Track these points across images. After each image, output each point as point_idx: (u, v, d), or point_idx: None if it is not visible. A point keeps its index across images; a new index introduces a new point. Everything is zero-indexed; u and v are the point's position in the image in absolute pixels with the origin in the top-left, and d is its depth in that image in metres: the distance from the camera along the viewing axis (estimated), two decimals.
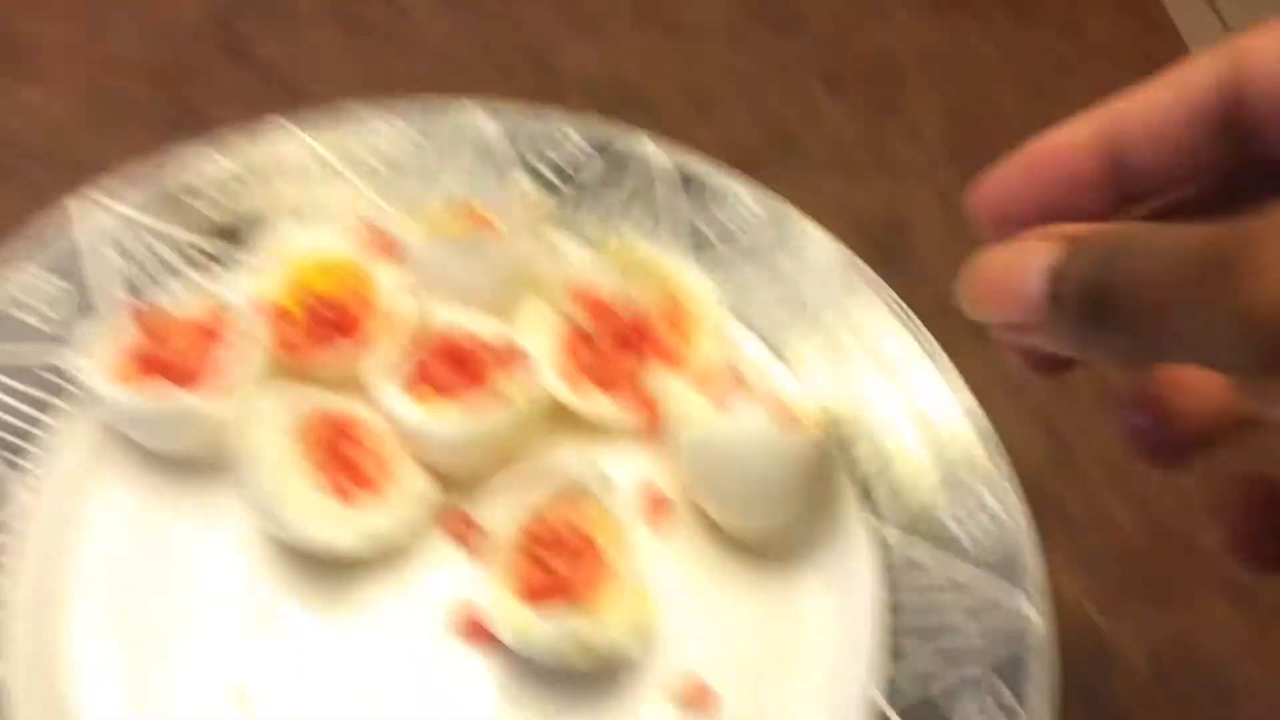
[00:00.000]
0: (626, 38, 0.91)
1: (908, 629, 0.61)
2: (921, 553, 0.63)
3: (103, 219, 0.67)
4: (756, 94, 0.89)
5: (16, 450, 0.60)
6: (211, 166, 0.71)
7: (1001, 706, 0.58)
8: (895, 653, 0.60)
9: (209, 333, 0.63)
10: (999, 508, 0.64)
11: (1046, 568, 0.65)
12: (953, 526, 0.64)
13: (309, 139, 0.73)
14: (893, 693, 0.59)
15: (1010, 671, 0.59)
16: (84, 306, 0.65)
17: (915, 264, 0.81)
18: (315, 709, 0.57)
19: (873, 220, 0.83)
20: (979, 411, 0.67)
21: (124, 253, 0.67)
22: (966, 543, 0.63)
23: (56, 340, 0.63)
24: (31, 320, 0.64)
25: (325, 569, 0.60)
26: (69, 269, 0.66)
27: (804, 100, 0.90)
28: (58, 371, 0.62)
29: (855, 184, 0.85)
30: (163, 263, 0.67)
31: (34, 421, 0.61)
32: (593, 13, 0.92)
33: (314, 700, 0.57)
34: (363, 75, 0.84)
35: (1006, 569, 0.62)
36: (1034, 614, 0.60)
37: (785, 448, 0.60)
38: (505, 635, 0.56)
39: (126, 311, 0.62)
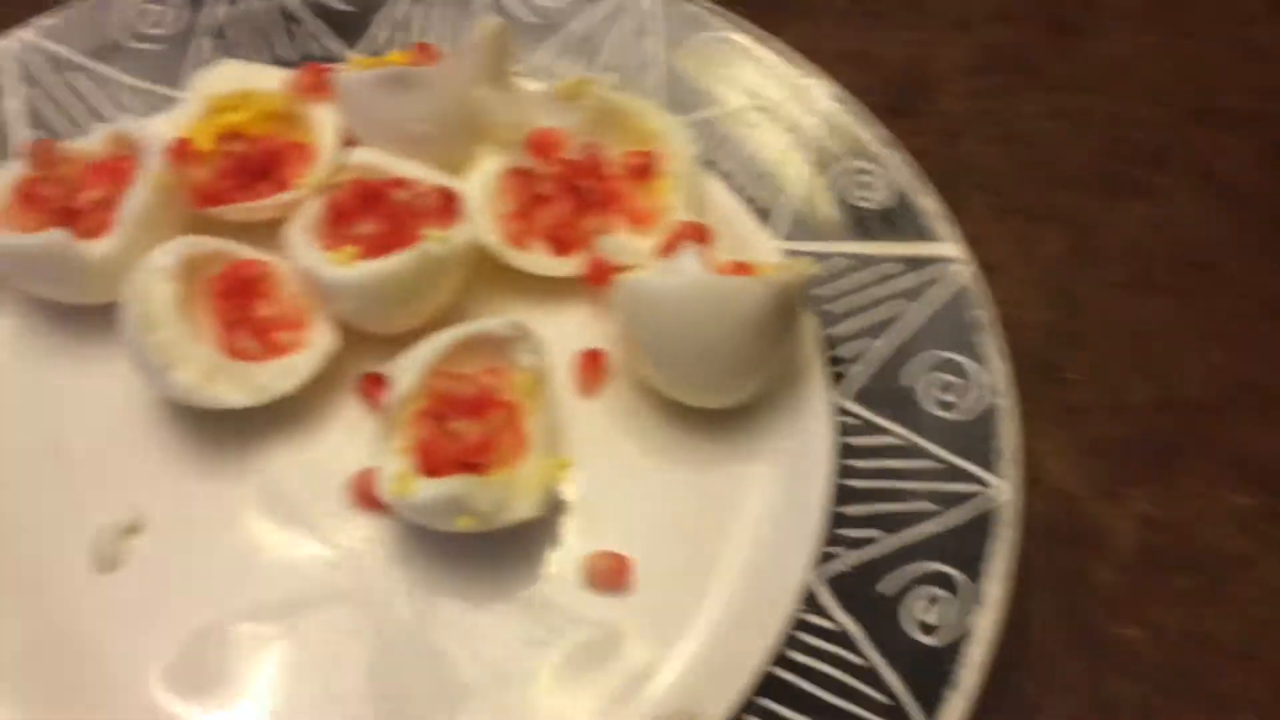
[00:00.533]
0: None
1: (860, 516, 0.53)
2: (890, 429, 0.55)
3: (26, 53, 0.64)
4: None
5: None
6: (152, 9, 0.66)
7: (955, 595, 0.50)
8: (842, 540, 0.53)
9: (111, 171, 0.58)
10: (978, 376, 0.55)
11: (1037, 453, 0.58)
12: (928, 405, 0.56)
13: None
14: (836, 583, 0.52)
15: (969, 559, 0.51)
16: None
17: (933, 121, 0.71)
18: (203, 563, 0.53)
19: (893, 75, 0.73)
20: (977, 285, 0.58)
21: (43, 91, 0.63)
22: (942, 421, 0.55)
23: None
24: None
25: (220, 429, 0.56)
26: None
27: None
28: None
29: (880, 34, 0.75)
30: (86, 105, 0.63)
31: None
32: None
33: (202, 556, 0.54)
34: None
35: (981, 450, 0.54)
36: (1002, 493, 0.52)
37: (728, 296, 0.52)
38: (387, 493, 0.51)
39: (23, 147, 0.58)
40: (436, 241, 0.55)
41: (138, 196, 0.56)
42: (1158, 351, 0.64)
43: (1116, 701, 0.54)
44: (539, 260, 0.60)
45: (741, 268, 0.56)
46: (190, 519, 0.54)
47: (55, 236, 0.54)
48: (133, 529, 0.54)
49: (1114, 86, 0.73)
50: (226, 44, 0.67)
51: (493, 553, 0.53)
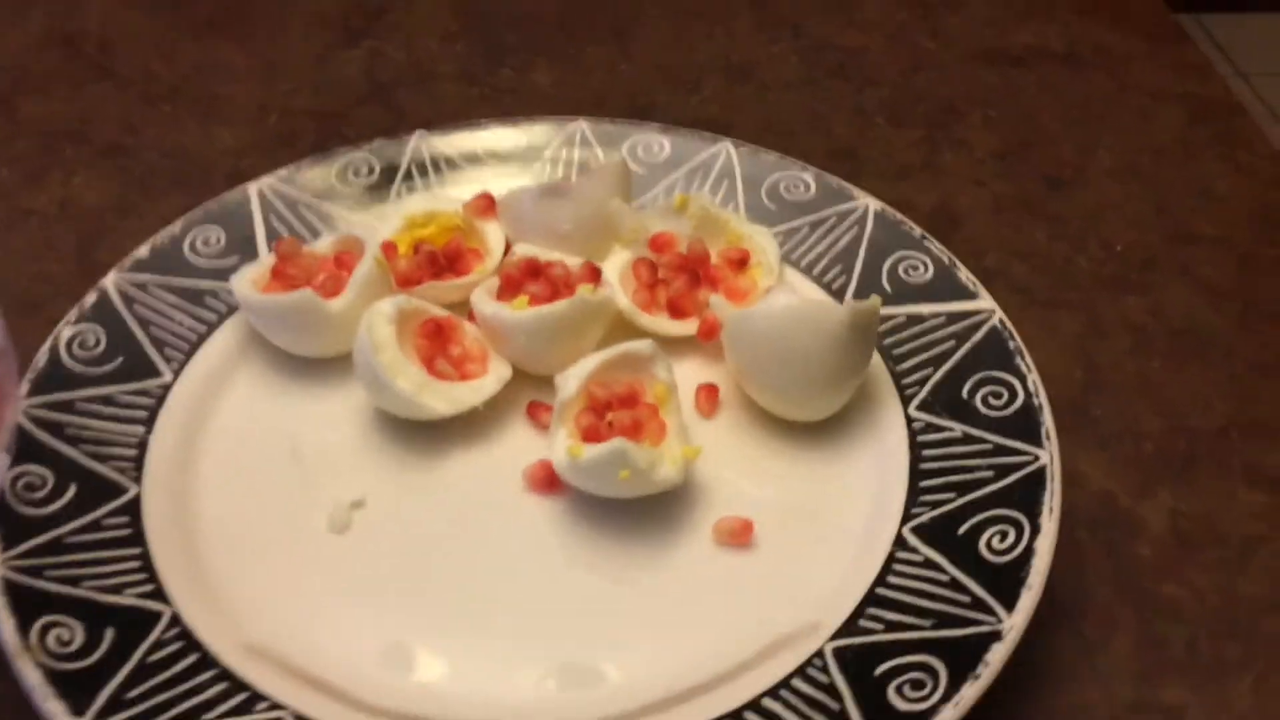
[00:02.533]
0: (716, 91, 1.05)
1: (936, 485, 0.66)
2: (947, 426, 0.69)
3: (270, 195, 0.84)
4: (825, 125, 1.02)
5: (175, 347, 0.74)
6: (362, 166, 0.87)
7: (1018, 530, 0.62)
8: (924, 502, 0.66)
9: (339, 261, 0.77)
10: (1019, 389, 0.70)
11: (1078, 467, 0.72)
12: (979, 407, 0.70)
13: (437, 143, 0.89)
14: (920, 530, 0.64)
15: (1026, 505, 0.64)
16: (247, 253, 0.80)
17: (962, 244, 0.89)
18: (411, 541, 0.67)
19: (923, 209, 0.92)
20: (1009, 325, 0.74)
21: (281, 217, 0.83)
22: (991, 418, 0.69)
23: (223, 277, 0.78)
24: (205, 263, 0.79)
25: (424, 437, 0.71)
26: (240, 229, 0.82)
27: (867, 129, 1.01)
28: (219, 297, 0.77)
29: (909, 185, 0.95)
30: (311, 224, 0.83)
31: (192, 329, 0.76)
32: (690, 75, 1.07)
33: (410, 534, 0.67)
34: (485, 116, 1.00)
35: (1025, 431, 0.68)
36: (1044, 458, 0.65)
37: (814, 321, 0.68)
38: (561, 463, 0.65)
39: (274, 244, 0.77)
40: (588, 291, 0.72)
41: (363, 270, 0.74)
42: (1166, 396, 0.78)
43: (1166, 639, 0.65)
44: (661, 322, 0.77)
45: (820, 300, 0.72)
46: (400, 499, 0.68)
47: (305, 294, 0.72)
48: (358, 504, 0.68)
49: (1104, 220, 0.92)
50: (411, 185, 0.87)
51: (640, 522, 0.67)
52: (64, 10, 1.12)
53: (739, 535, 0.66)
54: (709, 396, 0.74)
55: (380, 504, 0.68)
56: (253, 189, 0.84)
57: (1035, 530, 0.62)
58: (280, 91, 1.03)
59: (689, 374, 0.75)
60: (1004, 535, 0.63)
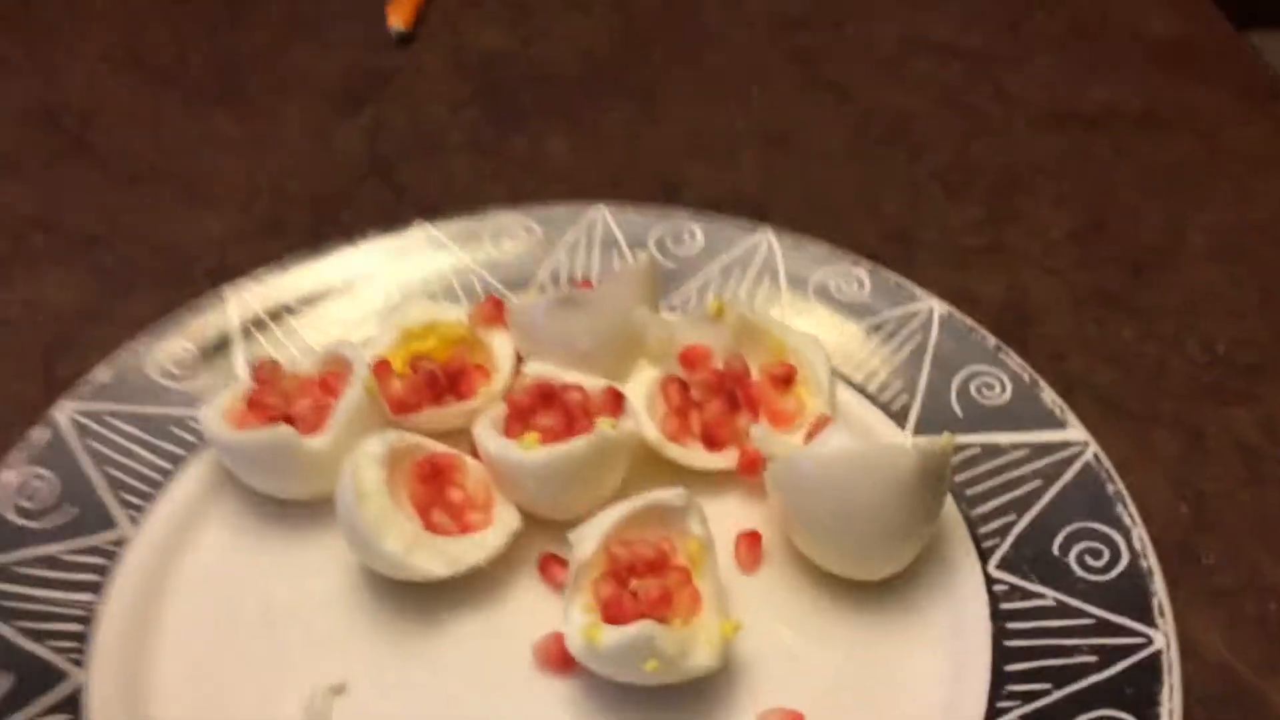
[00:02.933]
0: (753, 163, 0.95)
1: (1026, 671, 0.55)
2: (1037, 592, 0.58)
3: (249, 304, 0.74)
4: (874, 202, 0.91)
5: (133, 491, 0.65)
6: (355, 263, 0.77)
7: None
8: (1012, 695, 0.55)
9: (323, 385, 0.67)
10: (1123, 546, 0.59)
11: (1191, 630, 0.60)
12: (1074, 567, 0.59)
13: (436, 232, 0.79)
14: None
15: (1139, 704, 0.52)
16: (225, 375, 0.71)
17: (1040, 345, 0.78)
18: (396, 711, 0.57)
19: (990, 303, 0.81)
20: (1106, 463, 0.63)
21: (263, 325, 0.73)
22: (1089, 582, 0.58)
23: (194, 401, 0.69)
24: (172, 385, 0.70)
25: (418, 601, 0.61)
26: (214, 343, 0.72)
27: (922, 205, 0.91)
28: (188, 427, 0.68)
29: (972, 274, 0.84)
30: (303, 344, 0.73)
31: (156, 468, 0.66)
32: (724, 143, 0.97)
33: (401, 714, 0.57)
34: (498, 199, 0.90)
35: (1133, 604, 0.56)
36: (1159, 641, 0.54)
37: (877, 470, 0.57)
38: (578, 648, 0.55)
39: (252, 368, 0.67)
40: (609, 426, 0.61)
41: (348, 400, 0.64)
42: None
43: None
44: (695, 454, 0.66)
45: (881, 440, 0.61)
46: (389, 680, 0.58)
47: (282, 431, 0.62)
48: (338, 689, 0.57)
49: (1201, 312, 0.80)
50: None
51: (672, 712, 0.56)
52: (44, 80, 1.04)
53: None
54: (750, 548, 0.63)
55: (365, 688, 0.58)
56: (231, 296, 0.74)
57: None
58: (273, 169, 0.94)
59: (726, 515, 0.64)
60: None
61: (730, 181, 0.93)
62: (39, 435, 0.66)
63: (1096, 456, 0.63)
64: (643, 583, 0.56)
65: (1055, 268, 0.84)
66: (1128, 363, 0.77)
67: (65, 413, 0.67)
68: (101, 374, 0.69)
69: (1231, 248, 0.85)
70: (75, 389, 0.68)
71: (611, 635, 0.54)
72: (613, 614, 0.55)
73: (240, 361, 0.72)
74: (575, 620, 0.56)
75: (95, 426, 0.67)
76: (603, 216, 0.80)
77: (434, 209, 0.84)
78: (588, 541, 0.58)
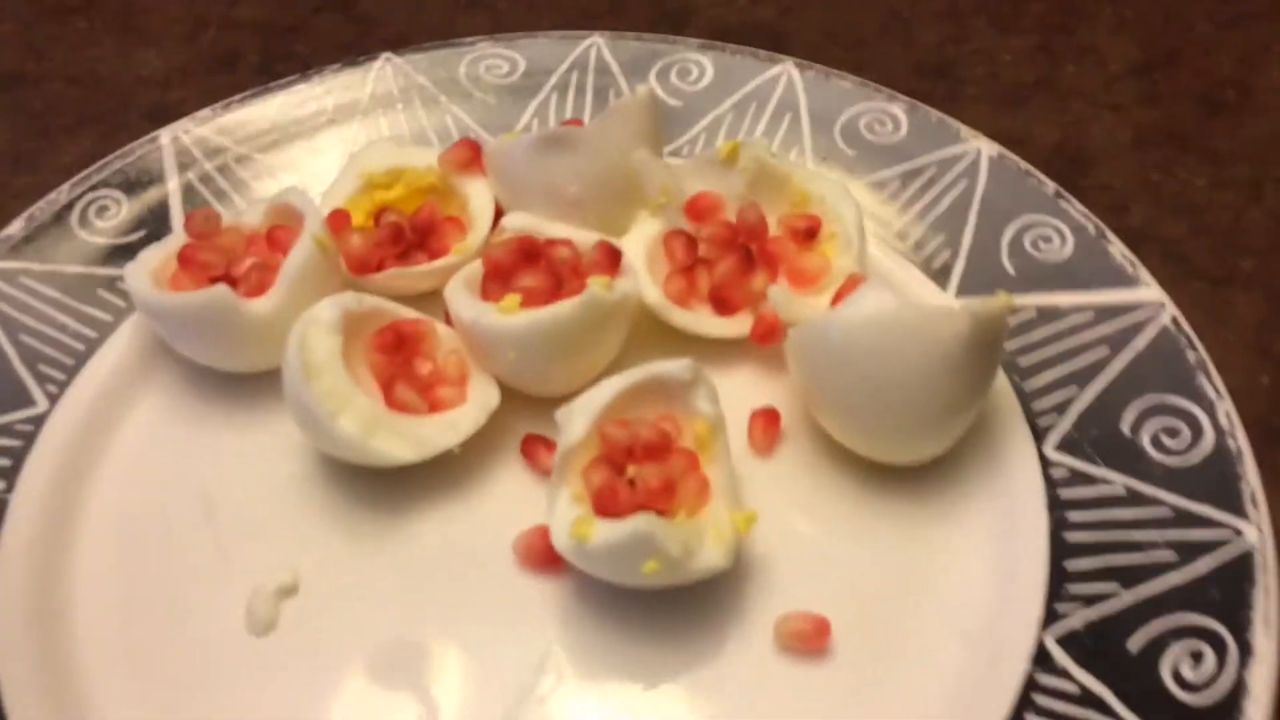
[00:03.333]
0: None
1: (1089, 570, 0.47)
2: (1103, 477, 0.50)
3: (190, 147, 0.64)
4: (907, 31, 0.80)
5: (52, 363, 0.56)
6: (310, 102, 0.67)
7: (1219, 649, 0.43)
8: (1072, 596, 0.46)
9: (270, 240, 0.57)
10: (1206, 424, 0.50)
11: (1272, 515, 0.51)
12: (1148, 449, 0.50)
13: (408, 68, 0.68)
14: (1071, 641, 0.45)
15: (1229, 610, 0.44)
16: (160, 230, 0.61)
17: (1099, 195, 0.68)
18: (358, 644, 0.48)
19: (1042, 145, 0.71)
20: (1185, 328, 0.54)
21: (205, 177, 0.63)
22: (1166, 466, 0.49)
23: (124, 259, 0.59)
24: (98, 240, 0.60)
25: (380, 490, 0.52)
26: (147, 193, 0.62)
27: (964, 35, 0.79)
28: (117, 290, 0.58)
29: (1023, 113, 0.73)
30: (244, 184, 0.63)
31: (80, 337, 0.57)
32: None
33: (359, 620, 0.49)
34: (474, 31, 0.79)
35: (1219, 492, 0.48)
36: (1253, 536, 0.46)
37: (920, 336, 0.48)
38: (565, 546, 0.46)
39: (185, 219, 0.57)
40: (602, 287, 0.52)
41: (298, 257, 0.55)
42: None
43: None
44: (703, 320, 0.57)
45: (926, 306, 0.52)
46: (346, 581, 0.50)
47: (218, 292, 0.53)
48: (288, 591, 0.49)
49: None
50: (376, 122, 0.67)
51: (676, 618, 0.48)
52: None
53: (811, 640, 0.47)
54: (767, 427, 0.54)
55: (318, 590, 0.50)
56: (166, 137, 0.64)
57: (1246, 652, 0.43)
58: None
59: (739, 391, 0.55)
60: (1198, 658, 0.44)
61: (742, 9, 0.81)
62: None
63: (1174, 320, 0.54)
64: (641, 470, 0.48)
65: (1117, 103, 0.74)
66: (1199, 214, 0.67)
67: None
68: (14, 228, 0.60)
69: None
70: None
71: (604, 531, 0.45)
72: (606, 506, 0.47)
73: (177, 214, 0.62)
74: (562, 513, 0.47)
75: (8, 289, 0.58)
76: (597, 48, 0.69)
77: (402, 40, 0.73)
78: (577, 421, 0.49)
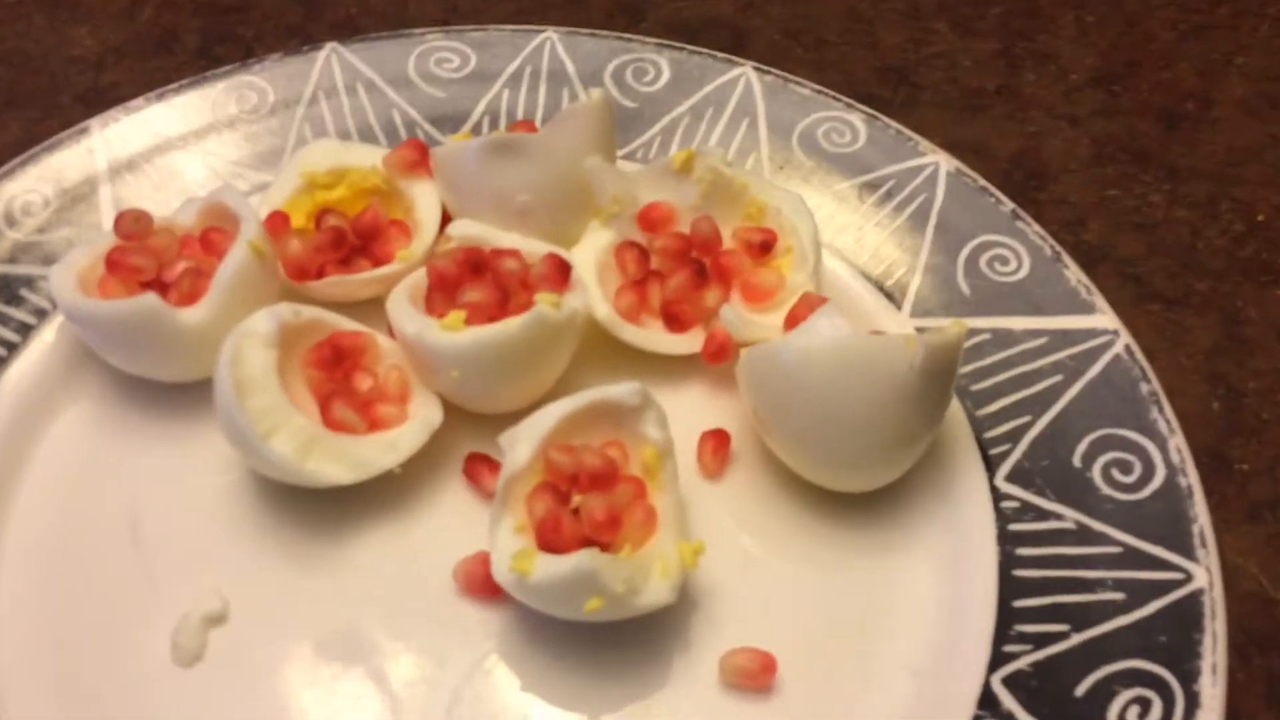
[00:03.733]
0: None
1: (1038, 608, 0.47)
2: (1054, 511, 0.49)
3: (121, 138, 0.61)
4: (869, 31, 0.78)
5: None
6: (251, 93, 0.64)
7: (1165, 696, 0.43)
8: (1020, 637, 0.46)
9: (204, 243, 0.55)
10: (1158, 459, 0.50)
11: (1225, 550, 0.51)
12: (1100, 484, 0.50)
13: (355, 60, 0.66)
14: (1018, 684, 0.45)
15: (1176, 655, 0.44)
16: (86, 223, 0.58)
17: (1056, 210, 0.68)
18: (292, 657, 0.47)
19: (1001, 156, 0.70)
20: (1140, 358, 0.53)
21: (136, 169, 0.61)
22: (1116, 501, 0.49)
23: (48, 258, 0.57)
24: (21, 237, 0.57)
25: (315, 512, 0.51)
26: (76, 187, 0.60)
27: (924, 38, 0.78)
28: (40, 289, 0.56)
29: (982, 122, 0.72)
30: (179, 177, 0.61)
31: (1, 341, 0.54)
32: None
33: (292, 648, 0.47)
34: (432, 24, 0.76)
35: (1169, 532, 0.47)
36: (1201, 579, 0.46)
37: (874, 365, 0.47)
38: (505, 579, 0.45)
39: (115, 219, 0.55)
40: (550, 304, 0.50)
41: (232, 264, 0.52)
42: None
43: None
44: (654, 336, 0.56)
45: (880, 335, 0.51)
46: (280, 608, 0.48)
47: (147, 300, 0.50)
48: (216, 619, 0.47)
49: (1239, 175, 0.70)
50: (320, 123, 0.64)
51: (615, 651, 0.47)
52: None
53: (757, 677, 0.46)
54: (717, 449, 0.53)
55: (248, 618, 0.48)
56: (96, 127, 0.61)
57: (1193, 704, 0.43)
58: None
59: (689, 410, 0.54)
60: (1145, 707, 0.43)
61: (701, 2, 0.79)
62: None
63: (1129, 349, 0.53)
64: (586, 500, 0.46)
65: (1076, 115, 0.73)
66: (1156, 231, 0.67)
67: None
68: None
69: (1277, 98, 0.74)
70: None
71: (546, 566, 0.44)
72: (549, 539, 0.45)
73: (106, 211, 0.59)
74: (504, 544, 0.46)
75: None
76: (550, 43, 0.67)
77: (351, 24, 0.71)
78: (522, 446, 0.47)
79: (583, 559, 0.43)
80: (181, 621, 0.47)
